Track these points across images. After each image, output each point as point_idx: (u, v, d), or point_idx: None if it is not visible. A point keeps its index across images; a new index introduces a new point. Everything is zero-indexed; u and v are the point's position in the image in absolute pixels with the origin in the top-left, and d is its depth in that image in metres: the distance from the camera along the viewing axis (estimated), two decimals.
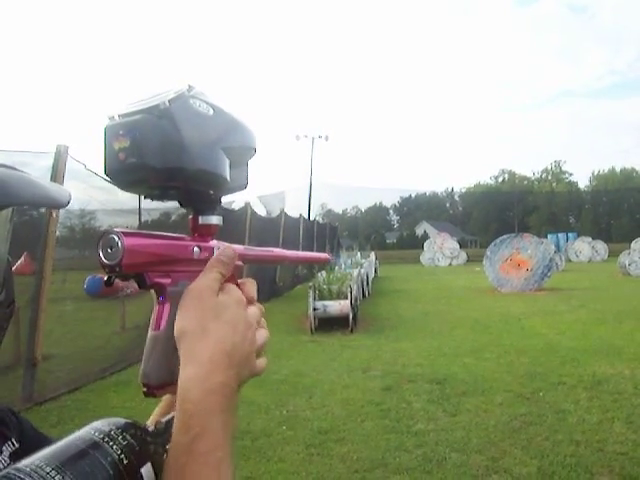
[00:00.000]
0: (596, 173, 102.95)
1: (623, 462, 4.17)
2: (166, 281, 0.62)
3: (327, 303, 10.43)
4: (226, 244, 0.69)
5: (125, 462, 0.55)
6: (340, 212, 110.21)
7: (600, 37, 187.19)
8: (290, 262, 0.83)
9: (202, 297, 0.61)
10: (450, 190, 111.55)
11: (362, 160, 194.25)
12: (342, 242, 39.44)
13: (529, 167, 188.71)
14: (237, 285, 0.67)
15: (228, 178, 0.65)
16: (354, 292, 11.04)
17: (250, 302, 0.67)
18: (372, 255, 26.14)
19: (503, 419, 5.19)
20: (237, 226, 13.05)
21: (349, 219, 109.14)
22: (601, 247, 37.94)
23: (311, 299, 10.31)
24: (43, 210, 5.85)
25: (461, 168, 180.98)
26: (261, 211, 17.74)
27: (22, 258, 7.06)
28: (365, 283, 16.19)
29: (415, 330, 10.33)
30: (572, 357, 7.59)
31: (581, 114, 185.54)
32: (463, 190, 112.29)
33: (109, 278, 0.60)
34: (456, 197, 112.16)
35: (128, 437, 0.57)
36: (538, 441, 4.64)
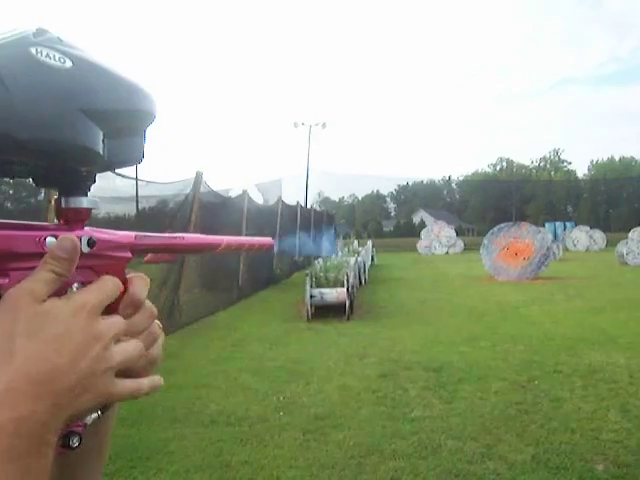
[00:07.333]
0: (595, 162, 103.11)
1: (617, 450, 4.20)
2: (3, 281, 0.48)
3: (324, 291, 10.45)
4: (89, 230, 0.54)
5: None
6: (337, 200, 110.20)
7: (604, 23, 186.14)
8: (214, 250, 0.66)
9: (17, 306, 0.47)
10: (447, 178, 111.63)
11: (360, 148, 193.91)
12: (339, 230, 39.52)
13: (527, 155, 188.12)
14: (124, 281, 0.55)
15: (99, 150, 0.51)
16: (351, 280, 11.05)
17: (136, 304, 0.55)
18: (369, 243, 26.17)
19: (498, 407, 5.22)
20: (234, 214, 13.02)
21: (346, 207, 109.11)
22: (599, 236, 37.98)
23: (308, 286, 10.31)
24: (41, 197, 5.80)
25: (459, 156, 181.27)
26: (258, 199, 17.72)
27: None
28: (362, 271, 16.20)
29: (411, 318, 10.36)
30: (568, 346, 7.63)
31: (581, 102, 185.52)
32: (461, 178, 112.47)
33: None
34: (453, 185, 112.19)
35: None
36: (533, 429, 4.67)
